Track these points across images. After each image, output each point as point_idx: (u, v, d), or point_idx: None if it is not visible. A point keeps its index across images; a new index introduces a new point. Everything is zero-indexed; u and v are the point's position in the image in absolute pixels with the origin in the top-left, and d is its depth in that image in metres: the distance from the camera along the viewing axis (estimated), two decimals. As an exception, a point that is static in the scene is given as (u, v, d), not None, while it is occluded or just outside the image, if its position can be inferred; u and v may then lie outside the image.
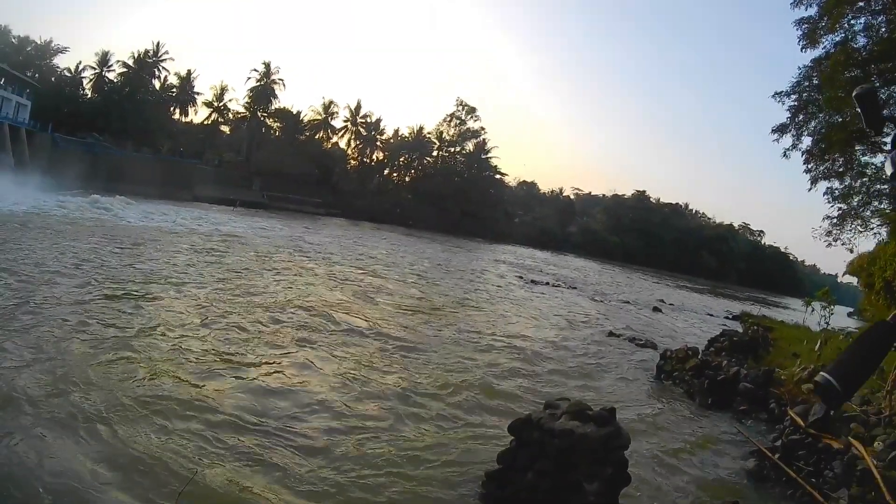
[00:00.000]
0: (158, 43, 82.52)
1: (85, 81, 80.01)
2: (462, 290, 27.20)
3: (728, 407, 13.23)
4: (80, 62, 79.47)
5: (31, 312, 12.15)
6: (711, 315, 39.20)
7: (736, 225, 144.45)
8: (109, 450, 7.09)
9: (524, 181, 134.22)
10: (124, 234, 28.17)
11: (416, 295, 23.51)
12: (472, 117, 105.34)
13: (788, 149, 23.05)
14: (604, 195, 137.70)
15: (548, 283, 37.92)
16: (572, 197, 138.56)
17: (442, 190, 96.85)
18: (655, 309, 34.19)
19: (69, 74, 79.03)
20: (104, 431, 7.51)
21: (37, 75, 72.52)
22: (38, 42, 77.05)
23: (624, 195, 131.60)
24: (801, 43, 21.19)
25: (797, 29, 21.29)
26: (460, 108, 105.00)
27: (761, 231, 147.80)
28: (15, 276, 15.20)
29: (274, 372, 10.98)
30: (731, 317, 39.41)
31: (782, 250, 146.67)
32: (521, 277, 38.94)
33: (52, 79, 76.20)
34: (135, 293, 15.59)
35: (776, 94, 22.93)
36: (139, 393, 8.88)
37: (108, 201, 41.70)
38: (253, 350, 12.18)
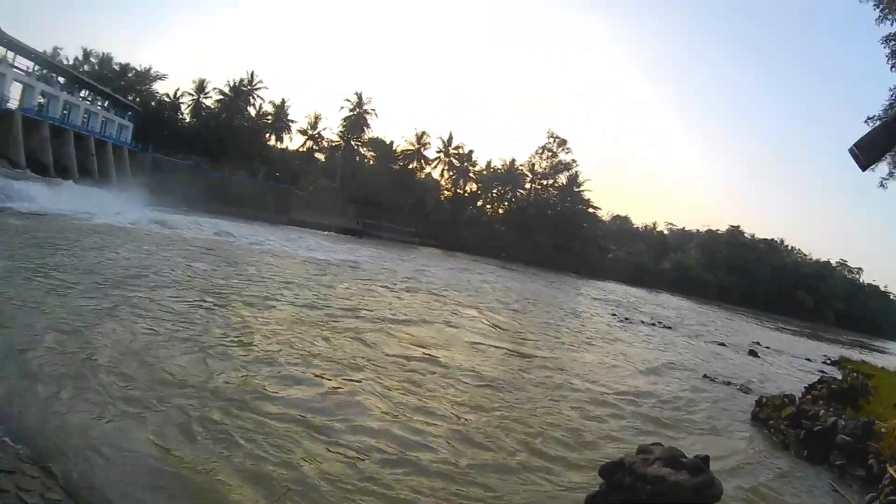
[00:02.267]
0: (253, 72, 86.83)
1: (183, 107, 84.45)
2: (554, 328, 26.89)
3: (824, 460, 12.62)
4: (178, 88, 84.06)
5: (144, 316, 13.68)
6: (809, 360, 37.15)
7: (833, 262, 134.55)
8: (201, 456, 7.60)
9: (617, 215, 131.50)
10: (225, 251, 30.93)
11: (509, 330, 23.46)
12: (563, 149, 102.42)
13: (885, 178, 20.49)
14: (697, 230, 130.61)
15: (642, 322, 36.76)
16: (666, 232, 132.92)
17: (535, 223, 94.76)
18: (751, 352, 32.67)
19: (168, 100, 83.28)
20: (200, 433, 8.20)
21: (138, 99, 76.19)
22: (139, 69, 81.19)
23: (718, 230, 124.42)
24: (889, 62, 19.35)
25: (885, 47, 19.54)
26: (551, 139, 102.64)
27: (860, 268, 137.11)
28: (109, 281, 16.99)
29: (362, 397, 11.13)
30: (829, 362, 37.56)
31: (882, 289, 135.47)
32: (614, 315, 37.88)
33: (153, 103, 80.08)
34: (239, 306, 17.11)
35: (868, 118, 20.29)
36: (236, 398, 9.64)
37: (205, 220, 44.07)
38: (341, 372, 12.55)
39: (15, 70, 47.39)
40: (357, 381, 12.07)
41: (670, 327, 36.99)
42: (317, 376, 11.84)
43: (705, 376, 20.75)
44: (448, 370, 14.52)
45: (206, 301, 16.86)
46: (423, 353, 15.94)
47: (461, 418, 11.06)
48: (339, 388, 11.44)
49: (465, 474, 8.64)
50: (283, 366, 12.08)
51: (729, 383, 20.33)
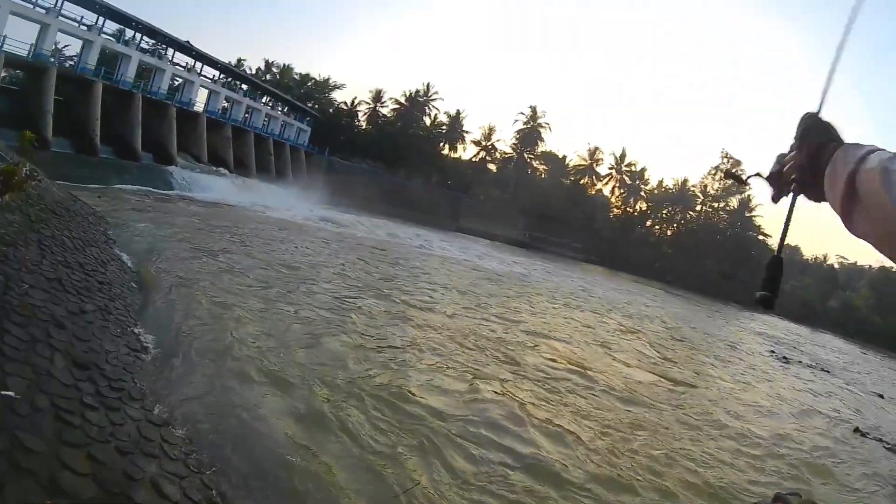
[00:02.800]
0: (429, 84, 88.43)
1: (360, 114, 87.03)
2: (711, 360, 25.32)
3: None
4: (355, 97, 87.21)
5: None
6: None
7: None
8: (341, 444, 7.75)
9: (787, 244, 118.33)
10: (394, 252, 31.58)
11: (664, 357, 22.07)
12: (737, 170, 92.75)
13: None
14: (870, 266, 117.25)
15: (800, 363, 33.34)
16: (836, 266, 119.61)
17: (702, 247, 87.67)
18: None
19: (345, 107, 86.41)
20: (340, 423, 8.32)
21: (316, 106, 79.17)
22: (318, 78, 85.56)
23: (892, 268, 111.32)
24: None
25: None
26: (725, 159, 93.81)
27: None
28: (294, 270, 18.51)
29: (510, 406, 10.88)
30: None
31: None
32: (772, 352, 34.55)
33: (330, 110, 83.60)
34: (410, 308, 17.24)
35: None
36: (373, 392, 9.70)
37: (377, 221, 45.67)
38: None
39: (202, 78, 51.23)
40: (501, 391, 11.75)
41: (829, 371, 33.70)
42: (459, 380, 11.73)
43: (857, 430, 18.60)
44: (593, 390, 13.95)
45: (366, 296, 17.25)
46: (572, 369, 15.41)
47: (594, 440, 10.54)
48: (480, 393, 11.23)
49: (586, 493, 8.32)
50: (429, 367, 12.06)
51: (881, 440, 18.11)
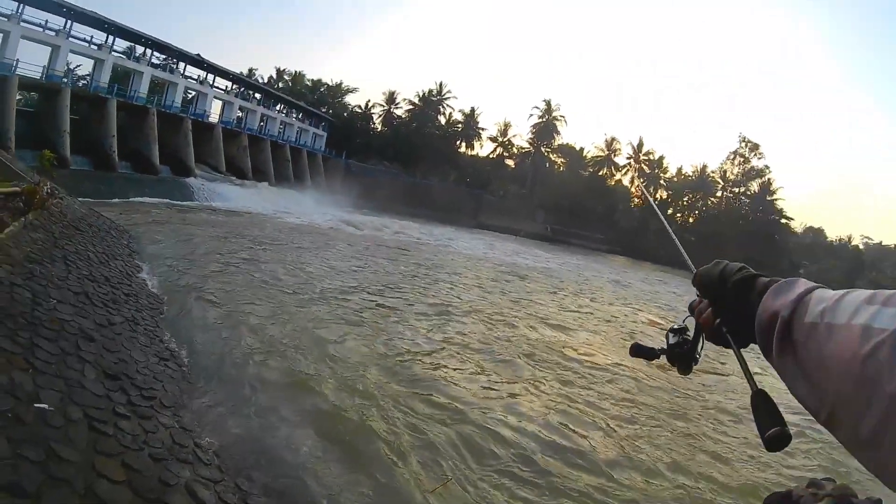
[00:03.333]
0: (441, 83, 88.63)
1: (374, 117, 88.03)
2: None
3: None
4: (369, 100, 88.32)
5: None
6: None
7: None
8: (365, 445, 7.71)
9: (810, 227, 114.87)
10: (417, 251, 31.47)
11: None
12: (755, 154, 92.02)
13: None
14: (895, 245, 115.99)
15: None
16: (861, 247, 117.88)
17: (724, 234, 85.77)
18: None
19: (360, 110, 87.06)
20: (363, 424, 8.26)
21: (330, 111, 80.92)
22: (330, 83, 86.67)
23: None
24: None
25: None
26: (743, 144, 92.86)
27: None
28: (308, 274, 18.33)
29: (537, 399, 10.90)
30: None
31: None
32: None
33: (345, 114, 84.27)
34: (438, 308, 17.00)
35: None
36: (401, 391, 9.69)
37: (396, 222, 45.92)
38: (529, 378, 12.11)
39: (214, 89, 51.86)
40: (523, 384, 11.73)
41: None
42: (483, 373, 11.75)
43: None
44: (615, 380, 13.73)
45: (392, 297, 17.17)
46: (596, 362, 15.10)
47: (615, 430, 10.36)
48: (504, 387, 11.25)
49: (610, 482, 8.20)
50: (454, 362, 12.06)
51: None
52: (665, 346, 1.44)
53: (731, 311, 1.15)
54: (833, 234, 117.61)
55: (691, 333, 1.39)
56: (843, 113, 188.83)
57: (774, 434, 1.02)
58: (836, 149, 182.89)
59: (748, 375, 1.15)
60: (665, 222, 2.43)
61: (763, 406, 1.09)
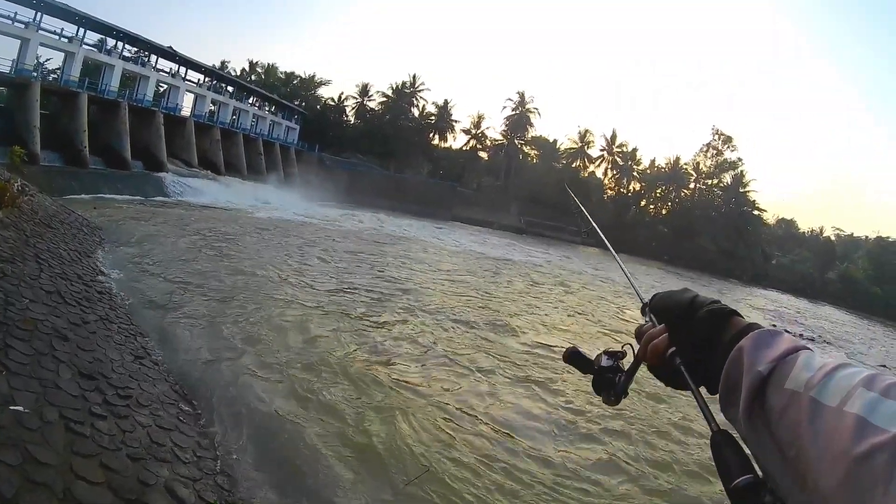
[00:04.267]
0: (415, 75, 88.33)
1: (348, 109, 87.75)
2: None
3: None
4: (342, 92, 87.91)
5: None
6: None
7: None
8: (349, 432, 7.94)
9: (782, 218, 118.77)
10: (394, 245, 31.31)
11: None
12: (729, 147, 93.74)
13: None
14: (867, 237, 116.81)
15: (801, 336, 32.54)
16: (833, 238, 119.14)
17: (698, 225, 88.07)
18: None
19: (333, 103, 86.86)
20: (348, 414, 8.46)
21: (303, 104, 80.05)
22: (303, 76, 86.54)
23: (889, 238, 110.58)
24: None
25: None
26: (716, 136, 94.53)
27: None
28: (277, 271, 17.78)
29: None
30: None
31: None
32: (774, 326, 30.12)
33: (318, 107, 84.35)
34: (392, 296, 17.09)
35: None
36: (383, 381, 9.85)
37: (371, 215, 45.72)
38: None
39: (187, 82, 51.02)
40: (500, 376, 11.76)
41: (830, 343, 34.86)
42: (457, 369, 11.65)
43: None
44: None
45: (364, 291, 16.89)
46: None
47: (587, 421, 10.24)
48: (482, 380, 11.33)
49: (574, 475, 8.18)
50: (434, 359, 11.95)
51: None
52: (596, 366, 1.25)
53: (694, 344, 1.01)
54: (805, 225, 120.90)
55: (627, 364, 1.22)
56: (822, 108, 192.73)
57: (744, 483, 0.78)
58: (814, 143, 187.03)
59: (707, 413, 0.94)
60: (595, 226, 2.38)
61: (727, 449, 0.86)
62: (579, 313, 22.12)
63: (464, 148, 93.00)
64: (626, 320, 22.44)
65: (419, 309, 16.06)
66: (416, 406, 9.16)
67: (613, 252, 1.93)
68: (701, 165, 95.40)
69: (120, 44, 42.47)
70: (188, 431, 6.64)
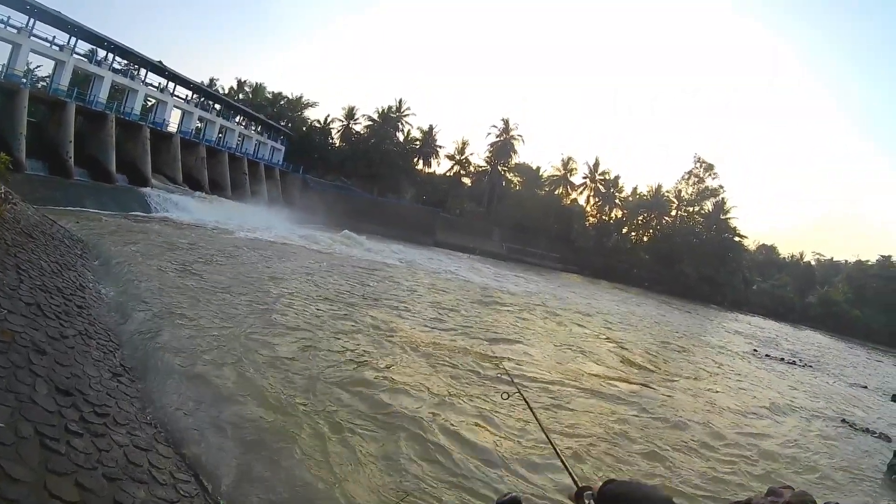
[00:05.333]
0: (401, 100, 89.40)
1: (333, 131, 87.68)
2: (689, 359, 26.04)
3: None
4: (328, 115, 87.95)
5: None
6: (962, 408, 33.38)
7: None
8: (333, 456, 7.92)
9: (763, 244, 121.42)
10: (379, 272, 30.88)
11: (644, 359, 22.62)
12: (710, 174, 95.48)
13: None
14: (846, 261, 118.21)
15: (782, 359, 34.43)
16: (813, 263, 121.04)
17: (679, 251, 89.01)
18: (894, 398, 29.50)
19: (319, 125, 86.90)
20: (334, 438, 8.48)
21: (289, 124, 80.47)
22: (290, 97, 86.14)
23: (868, 261, 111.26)
24: None
25: None
26: (698, 164, 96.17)
27: None
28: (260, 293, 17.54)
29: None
30: None
31: None
32: (755, 351, 35.80)
33: (304, 128, 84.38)
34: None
35: None
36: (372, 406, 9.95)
37: (356, 238, 45.07)
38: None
39: (175, 98, 51.07)
40: (475, 397, 12.04)
41: (811, 366, 34.97)
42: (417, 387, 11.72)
43: (843, 421, 19.54)
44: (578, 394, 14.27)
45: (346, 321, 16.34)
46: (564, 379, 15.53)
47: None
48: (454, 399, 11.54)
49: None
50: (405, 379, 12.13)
51: (867, 429, 18.85)
52: None
53: None
54: (786, 251, 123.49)
55: None
56: (802, 130, 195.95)
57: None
58: (793, 164, 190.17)
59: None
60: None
61: None
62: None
63: (447, 174, 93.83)
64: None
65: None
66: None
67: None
68: (683, 193, 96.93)
69: (110, 55, 42.45)
70: (166, 452, 6.54)
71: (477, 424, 10.46)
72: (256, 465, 7.27)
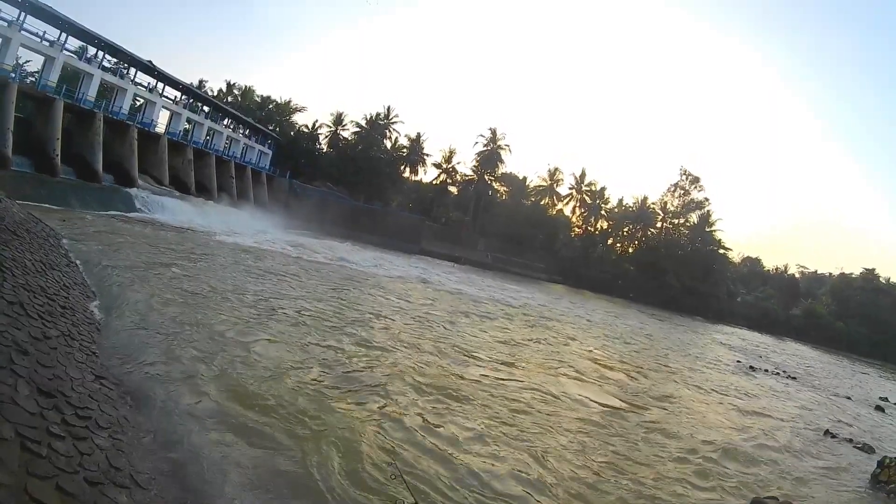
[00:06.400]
0: (389, 107, 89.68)
1: (321, 137, 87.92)
2: (673, 372, 25.85)
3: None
4: (316, 120, 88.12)
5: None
6: (944, 419, 33.22)
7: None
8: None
9: (748, 257, 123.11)
10: (350, 275, 31.23)
11: (623, 370, 22.52)
12: (696, 187, 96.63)
13: None
14: (830, 274, 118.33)
15: (766, 371, 34.46)
16: (797, 275, 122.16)
17: (664, 263, 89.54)
18: (877, 408, 30.24)
19: (307, 130, 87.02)
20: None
21: (277, 129, 79.97)
22: (279, 101, 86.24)
23: (851, 274, 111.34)
24: None
25: None
26: (684, 177, 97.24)
27: None
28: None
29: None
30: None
31: None
32: (739, 362, 36.01)
33: (292, 133, 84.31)
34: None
35: None
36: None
37: (337, 245, 45.96)
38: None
39: (164, 98, 50.74)
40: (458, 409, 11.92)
41: (795, 378, 34.84)
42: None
43: (827, 432, 19.37)
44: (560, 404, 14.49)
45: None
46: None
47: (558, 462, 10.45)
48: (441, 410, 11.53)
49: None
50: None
51: (851, 440, 18.87)
52: None
53: None
54: (770, 263, 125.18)
55: None
56: (787, 142, 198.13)
57: None
58: (777, 177, 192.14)
59: None
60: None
61: None
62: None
63: (434, 182, 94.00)
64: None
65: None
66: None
67: None
68: (668, 205, 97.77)
69: (101, 53, 42.03)
70: (147, 455, 6.51)
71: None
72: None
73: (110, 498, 5.06)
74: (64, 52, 37.48)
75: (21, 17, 33.63)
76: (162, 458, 6.77)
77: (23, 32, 33.86)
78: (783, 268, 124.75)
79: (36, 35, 35.28)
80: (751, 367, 34.33)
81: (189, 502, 6.06)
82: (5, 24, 32.77)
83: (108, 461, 5.65)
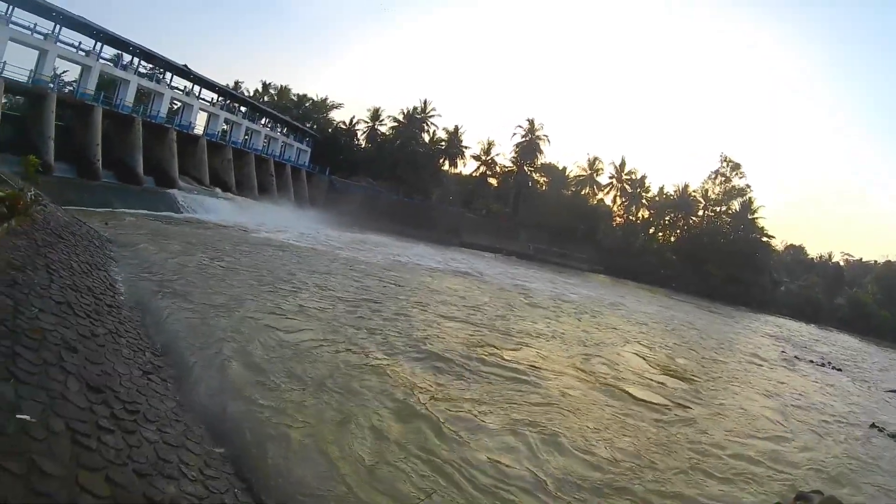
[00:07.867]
0: (426, 100, 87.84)
1: (359, 133, 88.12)
2: (721, 363, 25.77)
3: None
4: (353, 116, 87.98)
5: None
6: None
7: None
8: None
9: (791, 245, 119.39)
10: (397, 270, 31.02)
11: (669, 362, 22.24)
12: (737, 174, 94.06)
13: None
14: (876, 261, 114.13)
15: (811, 362, 33.66)
16: (842, 263, 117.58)
17: (706, 252, 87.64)
18: None
19: (344, 126, 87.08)
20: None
21: (315, 126, 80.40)
22: (315, 99, 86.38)
23: None
24: None
25: None
26: (725, 163, 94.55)
27: None
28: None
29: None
30: None
31: None
32: (783, 352, 35.13)
33: (329, 130, 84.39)
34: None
35: None
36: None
37: (380, 239, 46.32)
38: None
39: (200, 101, 51.51)
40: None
41: (840, 369, 33.87)
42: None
43: (873, 425, 18.71)
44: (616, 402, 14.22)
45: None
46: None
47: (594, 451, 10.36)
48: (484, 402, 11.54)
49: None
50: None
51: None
52: None
53: None
54: (814, 251, 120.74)
55: None
56: (829, 129, 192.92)
57: None
58: (820, 163, 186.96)
59: None
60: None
61: None
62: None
63: (473, 174, 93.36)
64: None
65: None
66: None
67: None
68: (709, 192, 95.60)
69: (136, 59, 42.81)
70: (195, 449, 6.54)
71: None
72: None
73: (159, 489, 5.09)
74: (100, 60, 38.21)
75: (56, 30, 34.37)
76: (211, 453, 6.80)
77: (59, 44, 34.59)
78: (827, 255, 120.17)
79: (71, 46, 36.03)
80: (795, 357, 33.89)
81: (238, 495, 6.08)
82: (42, 37, 33.49)
83: (156, 454, 5.69)
